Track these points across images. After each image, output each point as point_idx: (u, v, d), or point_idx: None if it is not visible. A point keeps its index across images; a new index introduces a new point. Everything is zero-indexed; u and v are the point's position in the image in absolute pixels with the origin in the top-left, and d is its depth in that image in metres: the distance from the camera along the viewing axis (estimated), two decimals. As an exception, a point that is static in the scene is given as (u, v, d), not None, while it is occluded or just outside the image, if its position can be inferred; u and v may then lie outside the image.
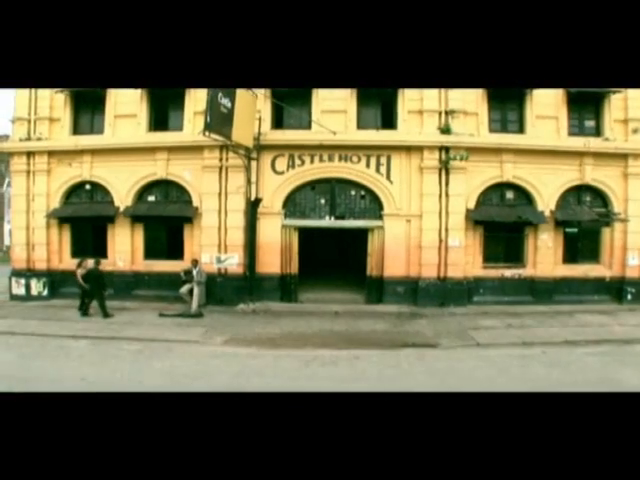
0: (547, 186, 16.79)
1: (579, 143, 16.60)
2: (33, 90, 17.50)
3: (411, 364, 10.62)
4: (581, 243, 17.48)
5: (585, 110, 17.32)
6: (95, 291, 15.05)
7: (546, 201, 16.80)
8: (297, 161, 16.68)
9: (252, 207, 16.39)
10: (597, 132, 17.16)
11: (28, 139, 17.71)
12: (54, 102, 17.78)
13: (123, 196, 17.40)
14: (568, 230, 17.24)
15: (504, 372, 9.98)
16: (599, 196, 17.25)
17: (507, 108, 17.34)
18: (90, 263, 15.78)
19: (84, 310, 15.16)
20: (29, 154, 17.73)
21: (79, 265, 15.77)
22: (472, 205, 16.70)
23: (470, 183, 16.62)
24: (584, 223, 17.05)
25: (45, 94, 17.63)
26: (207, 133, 13.81)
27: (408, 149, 16.56)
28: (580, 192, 17.26)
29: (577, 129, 17.23)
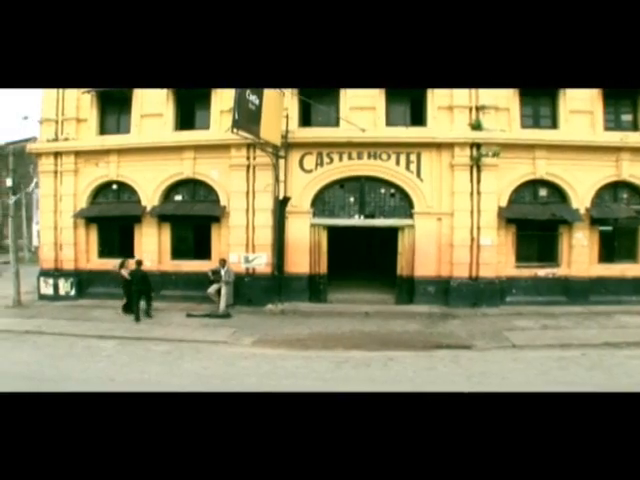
0: (582, 183, 16.27)
1: (615, 138, 16.08)
2: (60, 91, 17.58)
3: (446, 366, 10.35)
4: (618, 241, 16.93)
5: (621, 104, 16.76)
6: (144, 292, 14.91)
7: (581, 198, 16.29)
8: (325, 159, 16.46)
9: (280, 206, 16.20)
10: (634, 126, 16.58)
11: (55, 140, 17.81)
12: (81, 103, 17.82)
13: (150, 196, 17.34)
14: (604, 228, 16.72)
15: (543, 375, 9.64)
16: (637, 193, 16.68)
17: (539, 103, 16.89)
18: (131, 263, 15.78)
19: (146, 311, 14.94)
20: (56, 154, 17.82)
21: (122, 265, 15.62)
22: (504, 203, 16.28)
23: (502, 180, 16.20)
24: (621, 221, 16.49)
25: (72, 95, 17.69)
26: (235, 130, 13.62)
27: (438, 146, 16.23)
28: (616, 189, 16.73)
29: (613, 124, 16.65)
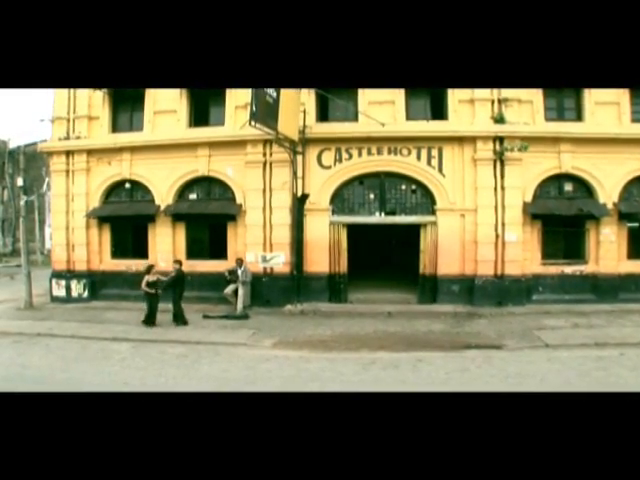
0: (609, 177, 15.75)
1: (643, 130, 15.52)
2: (72, 89, 17.22)
3: (479, 367, 9.88)
4: (648, 237, 16.38)
5: (649, 94, 16.25)
6: (178, 295, 14.01)
7: (608, 193, 15.77)
8: (344, 155, 16.04)
9: (298, 203, 15.77)
10: (663, 118, 16.02)
11: (67, 138, 17.52)
12: (93, 100, 17.54)
13: (164, 194, 16.98)
14: (633, 223, 16.15)
15: (584, 375, 9.18)
16: (667, 186, 16.13)
17: (563, 95, 16.36)
18: (158, 267, 15.09)
19: (153, 321, 13.76)
20: (68, 153, 17.53)
21: (148, 271, 14.04)
22: (529, 198, 15.79)
23: (526, 175, 15.71)
24: (651, 215, 15.95)
25: (84, 93, 17.40)
26: (253, 123, 13.20)
27: (460, 140, 15.78)
28: (645, 182, 16.18)
29: (641, 115, 16.14)
